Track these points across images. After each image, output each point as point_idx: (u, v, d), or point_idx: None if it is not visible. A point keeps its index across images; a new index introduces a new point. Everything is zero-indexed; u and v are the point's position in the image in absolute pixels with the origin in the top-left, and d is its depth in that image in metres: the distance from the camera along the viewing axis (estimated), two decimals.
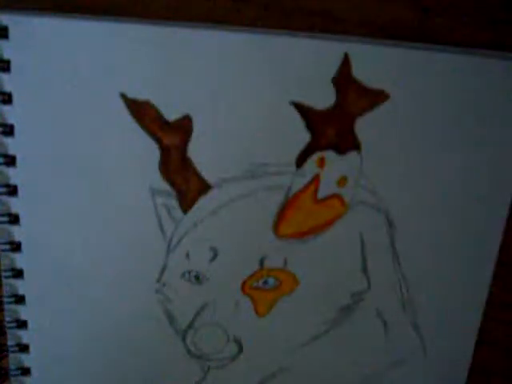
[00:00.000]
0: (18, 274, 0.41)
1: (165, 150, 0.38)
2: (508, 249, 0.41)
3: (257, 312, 0.42)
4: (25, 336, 0.43)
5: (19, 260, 0.41)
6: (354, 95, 0.38)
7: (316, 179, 0.39)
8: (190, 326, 0.42)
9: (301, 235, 0.40)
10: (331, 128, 0.38)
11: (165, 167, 0.38)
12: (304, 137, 0.38)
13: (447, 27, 0.38)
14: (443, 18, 0.37)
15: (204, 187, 0.39)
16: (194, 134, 0.38)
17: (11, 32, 0.35)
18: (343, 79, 0.37)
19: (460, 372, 0.45)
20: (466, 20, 0.37)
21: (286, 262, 0.41)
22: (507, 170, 0.39)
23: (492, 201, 0.40)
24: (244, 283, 0.41)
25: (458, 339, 0.44)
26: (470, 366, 0.44)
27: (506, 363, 0.45)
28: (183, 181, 0.39)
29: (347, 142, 0.39)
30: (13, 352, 0.43)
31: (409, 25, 0.38)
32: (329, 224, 0.40)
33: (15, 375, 0.44)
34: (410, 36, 0.38)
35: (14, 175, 0.39)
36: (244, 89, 0.37)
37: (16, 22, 0.35)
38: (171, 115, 0.37)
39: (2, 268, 0.41)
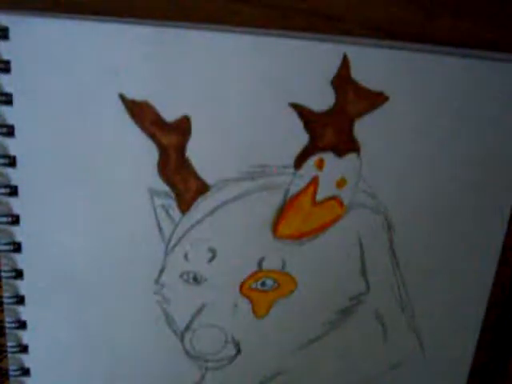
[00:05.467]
0: (19, 274, 0.41)
1: (163, 151, 0.38)
2: (510, 250, 0.41)
3: (255, 313, 0.42)
4: (24, 337, 0.43)
5: (19, 261, 0.41)
6: (352, 97, 0.38)
7: (315, 181, 0.39)
8: (189, 327, 0.42)
9: (299, 237, 0.40)
10: (330, 130, 0.38)
11: (163, 168, 0.38)
12: (303, 138, 0.38)
13: (447, 28, 0.38)
14: (443, 18, 0.37)
15: (202, 188, 0.39)
16: (193, 135, 0.38)
17: (11, 32, 0.35)
18: (342, 80, 0.37)
19: (460, 374, 0.44)
20: (467, 21, 0.37)
21: (284, 264, 0.41)
22: (507, 170, 0.39)
23: (492, 202, 0.40)
24: (242, 284, 0.41)
25: (457, 341, 0.44)
26: (470, 368, 0.44)
27: (506, 365, 0.45)
28: (182, 181, 0.39)
29: (346, 144, 0.39)
30: (12, 353, 0.43)
31: (409, 25, 0.38)
32: (327, 226, 0.40)
33: (15, 376, 0.44)
34: (410, 37, 0.38)
35: (14, 176, 0.39)
36: (243, 90, 0.37)
37: (16, 23, 0.35)
38: (170, 116, 0.37)
39: (3, 268, 0.41)
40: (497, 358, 0.45)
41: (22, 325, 0.43)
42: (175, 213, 0.39)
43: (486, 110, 0.38)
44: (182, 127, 0.38)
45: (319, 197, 0.39)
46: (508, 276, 0.42)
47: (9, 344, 0.43)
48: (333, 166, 0.39)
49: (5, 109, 0.37)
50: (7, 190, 0.39)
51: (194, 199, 0.39)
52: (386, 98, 0.38)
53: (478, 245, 0.41)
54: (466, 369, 0.44)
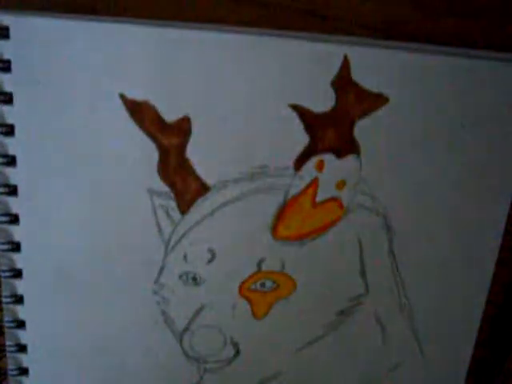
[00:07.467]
0: (18, 274, 0.41)
1: (163, 151, 0.38)
2: (508, 250, 0.41)
3: (254, 314, 0.42)
4: (23, 336, 0.43)
5: (18, 260, 0.41)
6: (353, 98, 0.38)
7: (314, 182, 0.39)
8: (187, 327, 0.42)
9: (299, 238, 0.40)
10: (330, 131, 0.38)
11: (163, 168, 0.38)
12: (303, 139, 0.38)
13: (447, 28, 0.38)
14: (443, 18, 0.37)
15: (202, 188, 0.39)
16: (193, 135, 0.38)
17: (12, 32, 0.35)
18: (343, 82, 0.37)
19: (459, 375, 0.44)
20: (466, 20, 0.37)
21: (283, 265, 0.41)
22: (507, 171, 0.39)
23: (492, 202, 0.40)
24: (241, 285, 0.41)
25: (456, 342, 0.43)
26: (469, 369, 0.44)
27: (504, 365, 0.45)
28: (181, 182, 0.39)
29: (346, 146, 0.38)
30: (11, 352, 0.43)
31: (408, 25, 0.38)
32: (327, 227, 0.40)
33: (13, 375, 0.44)
34: (410, 37, 0.38)
35: (13, 175, 0.39)
36: (243, 90, 0.37)
37: (16, 22, 0.35)
38: (170, 116, 0.37)
39: (2, 268, 0.41)
40: (495, 358, 0.45)
41: (21, 324, 0.43)
42: (175, 213, 0.39)
43: (486, 110, 0.38)
44: (183, 127, 0.38)
45: (319, 198, 0.39)
46: (506, 276, 0.42)
47: (7, 343, 0.43)
48: (333, 168, 0.39)
49: (5, 108, 0.37)
50: (6, 190, 0.39)
51: (193, 200, 0.39)
52: (387, 100, 0.38)
53: (477, 246, 0.41)
54: (465, 369, 0.44)
